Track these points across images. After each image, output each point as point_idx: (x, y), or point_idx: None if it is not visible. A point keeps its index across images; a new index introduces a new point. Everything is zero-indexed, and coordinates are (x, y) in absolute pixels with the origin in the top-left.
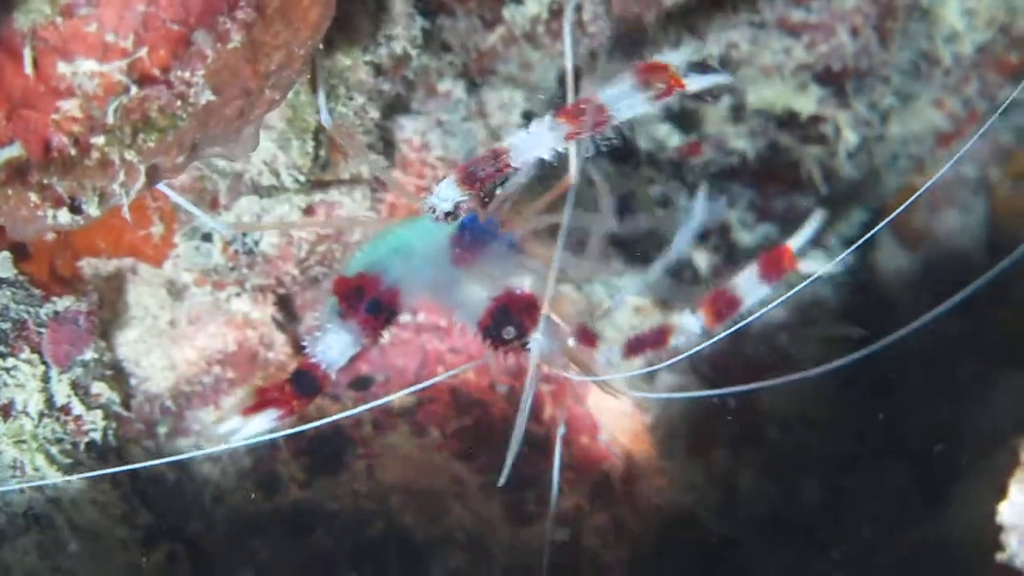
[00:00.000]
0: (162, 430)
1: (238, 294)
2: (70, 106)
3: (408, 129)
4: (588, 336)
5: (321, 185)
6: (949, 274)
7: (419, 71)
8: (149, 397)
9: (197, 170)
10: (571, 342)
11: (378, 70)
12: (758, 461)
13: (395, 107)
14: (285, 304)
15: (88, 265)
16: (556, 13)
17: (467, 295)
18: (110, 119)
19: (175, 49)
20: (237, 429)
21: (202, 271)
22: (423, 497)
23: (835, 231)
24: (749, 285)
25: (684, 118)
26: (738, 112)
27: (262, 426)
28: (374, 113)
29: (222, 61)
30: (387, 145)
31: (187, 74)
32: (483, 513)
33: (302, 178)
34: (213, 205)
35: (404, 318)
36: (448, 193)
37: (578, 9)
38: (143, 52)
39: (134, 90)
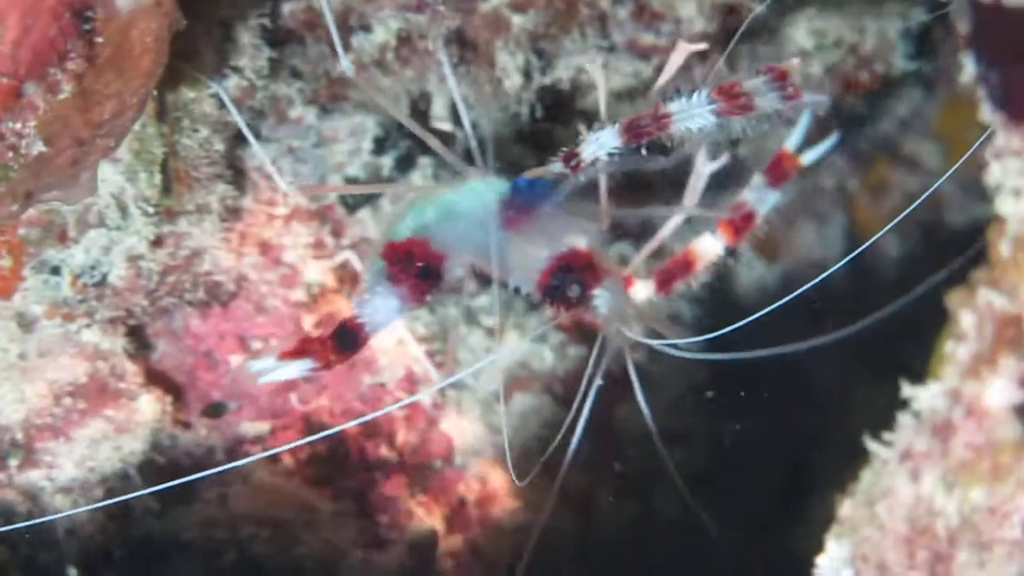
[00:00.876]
0: (13, 462)
1: (88, 326)
2: None
3: (258, 157)
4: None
5: (169, 216)
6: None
7: (269, 99)
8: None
9: (44, 203)
10: (639, 295)
11: (223, 103)
12: (614, 480)
13: (244, 136)
14: (136, 334)
15: None
16: (404, 40)
17: (521, 257)
18: None
19: (5, 101)
20: (270, 370)
21: (52, 304)
22: (275, 526)
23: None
24: (759, 195)
25: (536, 137)
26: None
27: (295, 372)
28: (219, 145)
29: (53, 112)
30: (237, 173)
31: (18, 125)
32: (335, 540)
33: (151, 209)
34: (62, 238)
35: (255, 345)
36: (609, 141)
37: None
38: None
39: None
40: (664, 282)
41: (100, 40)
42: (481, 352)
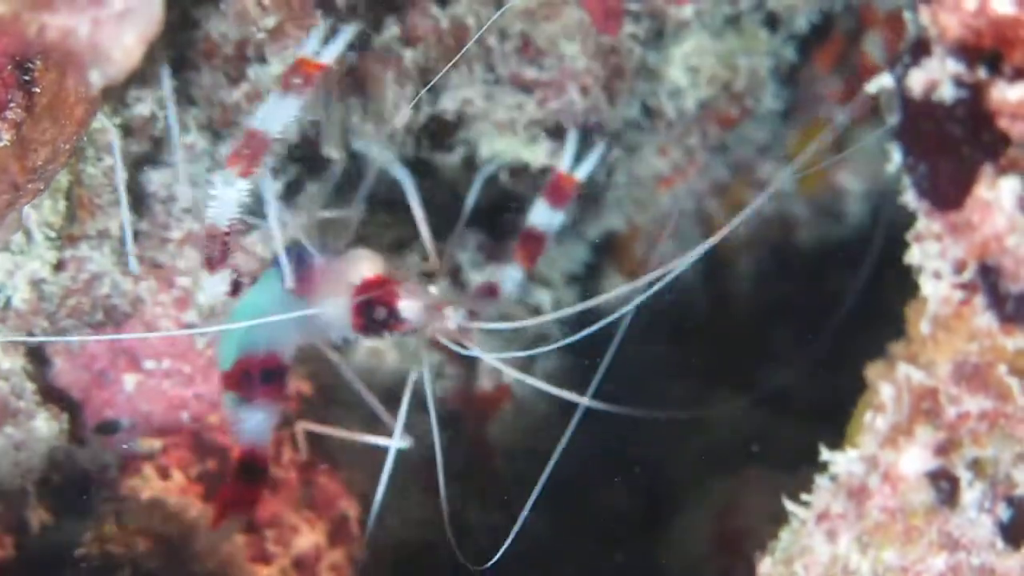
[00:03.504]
0: None
1: None
2: None
3: (155, 182)
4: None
5: (71, 240)
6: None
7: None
8: None
9: None
10: (434, 291)
11: (127, 131)
12: (485, 493)
13: (143, 162)
14: (35, 355)
15: None
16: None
17: (329, 313)
18: None
19: None
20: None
21: None
22: (168, 542)
23: (558, 268)
24: (544, 217)
25: (420, 166)
26: (470, 163)
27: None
28: (123, 172)
29: None
30: (136, 199)
31: None
32: (225, 555)
33: (53, 235)
34: None
35: (148, 364)
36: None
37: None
38: None
39: None
40: (473, 313)
41: (38, 90)
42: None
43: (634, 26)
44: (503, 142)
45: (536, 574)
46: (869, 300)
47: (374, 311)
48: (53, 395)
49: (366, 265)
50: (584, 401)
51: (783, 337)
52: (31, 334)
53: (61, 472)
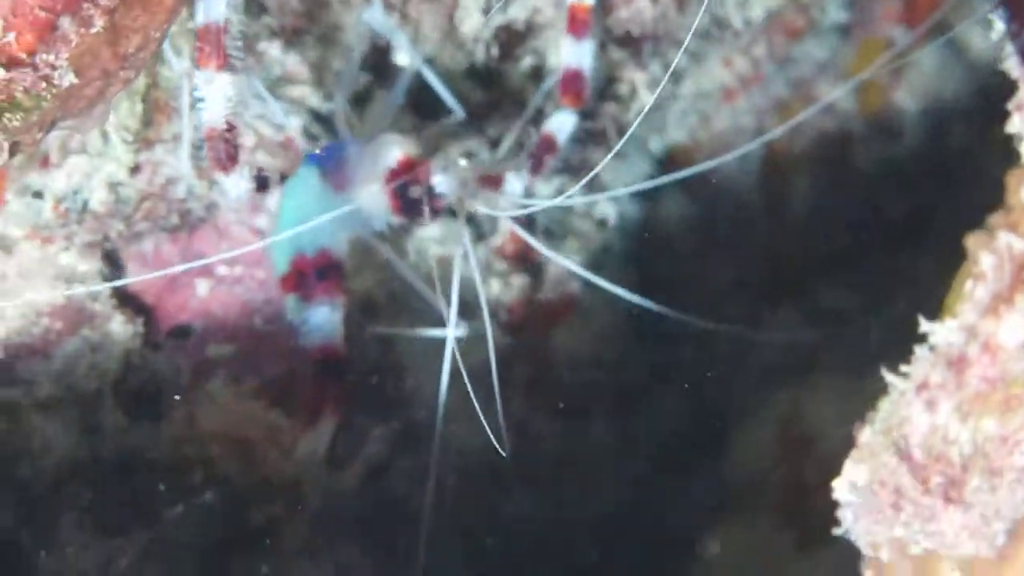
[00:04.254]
0: None
1: (66, 249)
2: None
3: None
4: (490, 179)
5: (147, 143)
6: (726, 215)
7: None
8: None
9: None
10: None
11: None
12: (550, 403)
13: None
14: (111, 259)
15: None
16: None
17: (367, 203)
18: None
19: (41, 34)
20: (319, 447)
21: (32, 227)
22: (241, 444)
23: (621, 180)
24: (576, 52)
25: (486, 77)
26: (538, 72)
27: (330, 430)
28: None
29: (85, 45)
30: None
31: (52, 57)
32: (297, 459)
33: (130, 137)
34: (44, 163)
35: (221, 270)
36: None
37: None
38: (11, 37)
39: (2, 73)
40: (536, 166)
41: None
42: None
43: None
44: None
45: (597, 487)
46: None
47: (409, 190)
48: (127, 299)
49: (397, 148)
50: (648, 304)
51: (839, 254)
52: (107, 237)
53: (135, 375)
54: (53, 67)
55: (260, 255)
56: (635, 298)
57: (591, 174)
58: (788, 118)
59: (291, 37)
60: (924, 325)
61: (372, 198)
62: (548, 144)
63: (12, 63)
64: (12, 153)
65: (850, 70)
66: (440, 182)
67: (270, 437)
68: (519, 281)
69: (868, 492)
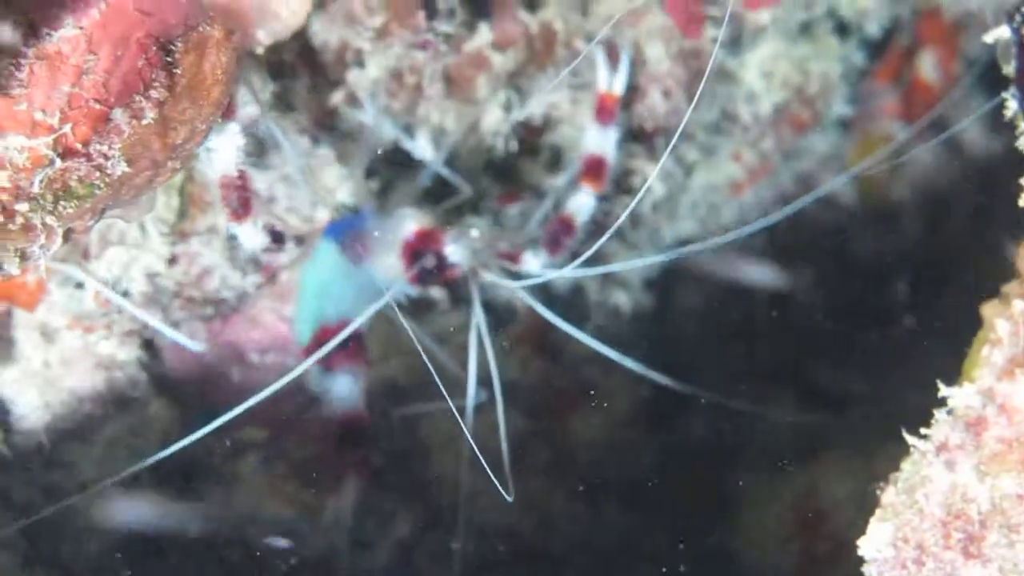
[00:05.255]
0: (37, 462)
1: (106, 338)
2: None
3: (259, 182)
4: (508, 255)
5: (183, 236)
6: (736, 308)
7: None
8: (25, 434)
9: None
10: (532, 265)
11: None
12: (568, 484)
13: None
14: (149, 347)
15: None
16: (394, 74)
17: (385, 274)
18: (35, 188)
19: (95, 125)
20: (342, 513)
21: (74, 316)
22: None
23: (635, 272)
24: (601, 138)
25: (503, 169)
26: (555, 163)
27: (353, 496)
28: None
29: (136, 136)
30: None
31: (105, 147)
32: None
33: (167, 230)
34: (85, 256)
35: (253, 357)
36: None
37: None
38: (67, 128)
39: (58, 162)
40: (553, 245)
41: (179, 71)
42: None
43: (715, 30)
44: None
45: (614, 566)
46: (924, 310)
47: (424, 259)
48: (164, 385)
49: (412, 220)
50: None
51: (842, 340)
52: (146, 325)
53: (172, 458)
54: (106, 157)
55: (289, 341)
56: (652, 373)
57: (603, 238)
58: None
59: (318, 132)
60: (944, 390)
61: (390, 269)
62: (567, 224)
63: (68, 153)
64: (65, 239)
65: (851, 163)
66: (453, 251)
67: (303, 516)
68: (537, 365)
69: (892, 548)
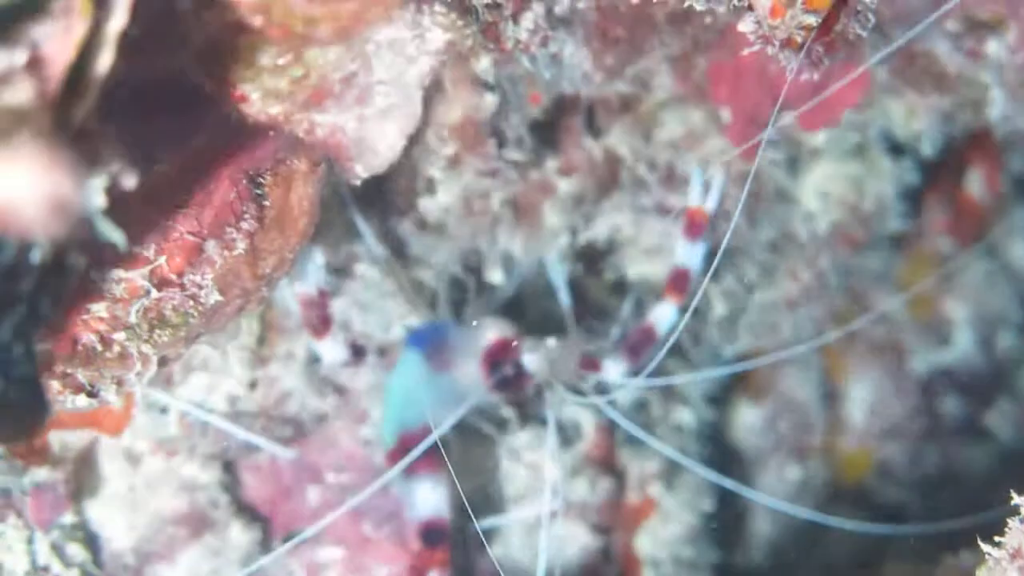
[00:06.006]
0: None
1: (189, 460)
2: (98, 308)
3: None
4: (589, 362)
5: (262, 361)
6: (790, 423)
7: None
8: (113, 555)
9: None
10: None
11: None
12: None
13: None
14: (229, 469)
15: (55, 439)
16: (466, 200)
17: (466, 381)
18: (132, 318)
19: (189, 257)
20: None
21: (157, 440)
22: None
23: (697, 387)
24: (686, 252)
25: (574, 288)
26: (619, 286)
27: None
28: None
29: (228, 266)
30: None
31: (198, 278)
32: None
33: (247, 356)
34: (168, 381)
35: (329, 478)
36: None
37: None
38: (162, 260)
39: (153, 293)
40: (633, 354)
41: (267, 204)
42: (524, 486)
43: (772, 152)
44: (650, 267)
45: None
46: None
47: (503, 370)
48: (244, 507)
49: (492, 329)
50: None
51: (895, 459)
52: (227, 448)
53: None
54: (199, 287)
55: (366, 463)
56: (723, 479)
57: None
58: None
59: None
60: (1016, 499)
61: (470, 376)
62: (647, 334)
63: (163, 284)
64: (161, 366)
65: (902, 280)
66: (530, 360)
67: None
68: (605, 484)
69: None
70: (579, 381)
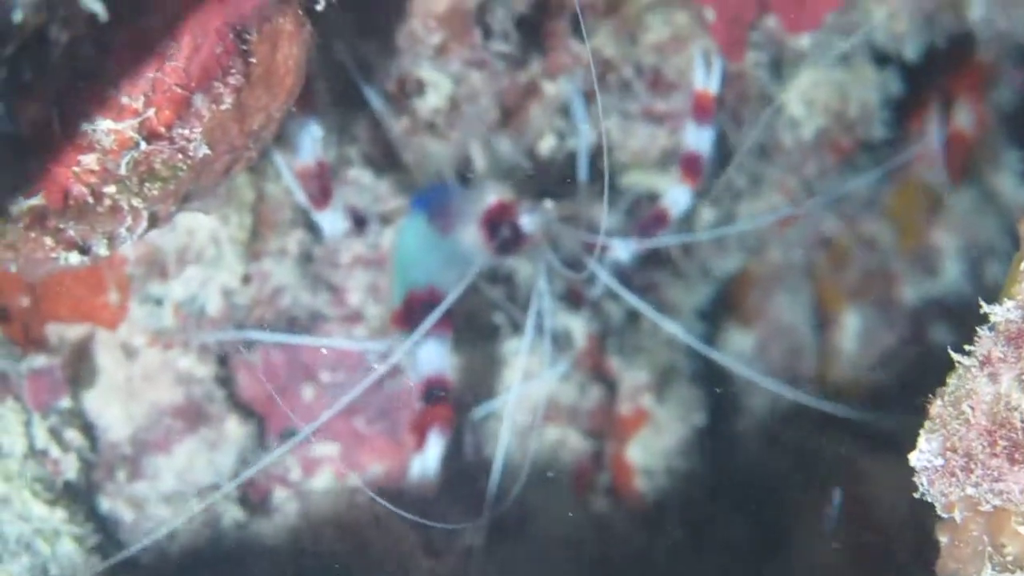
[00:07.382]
0: (121, 474)
1: (184, 354)
2: (89, 160)
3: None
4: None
5: (255, 255)
6: (780, 348)
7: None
8: (110, 445)
9: (150, 244)
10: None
11: None
12: (628, 507)
13: None
14: (223, 363)
15: (52, 331)
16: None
17: (467, 243)
18: (122, 170)
19: (178, 109)
20: (429, 467)
21: (154, 333)
22: (351, 531)
23: (688, 303)
24: (697, 136)
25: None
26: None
27: (439, 448)
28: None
29: (216, 120)
30: (310, 226)
31: (187, 131)
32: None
33: (240, 249)
34: (163, 274)
35: (324, 376)
36: None
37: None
38: (152, 112)
39: (143, 145)
40: (645, 235)
41: (254, 60)
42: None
43: (757, 54)
44: (638, 172)
45: None
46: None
47: (500, 230)
48: (240, 404)
49: (492, 192)
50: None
51: (887, 386)
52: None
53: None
54: (188, 140)
55: (359, 362)
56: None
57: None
58: (835, 253)
59: (381, 165)
60: (985, 307)
61: (471, 238)
62: (661, 216)
63: (152, 136)
64: (151, 223)
65: (891, 208)
66: (527, 222)
67: (376, 525)
68: (595, 392)
69: (941, 458)
70: (581, 253)
